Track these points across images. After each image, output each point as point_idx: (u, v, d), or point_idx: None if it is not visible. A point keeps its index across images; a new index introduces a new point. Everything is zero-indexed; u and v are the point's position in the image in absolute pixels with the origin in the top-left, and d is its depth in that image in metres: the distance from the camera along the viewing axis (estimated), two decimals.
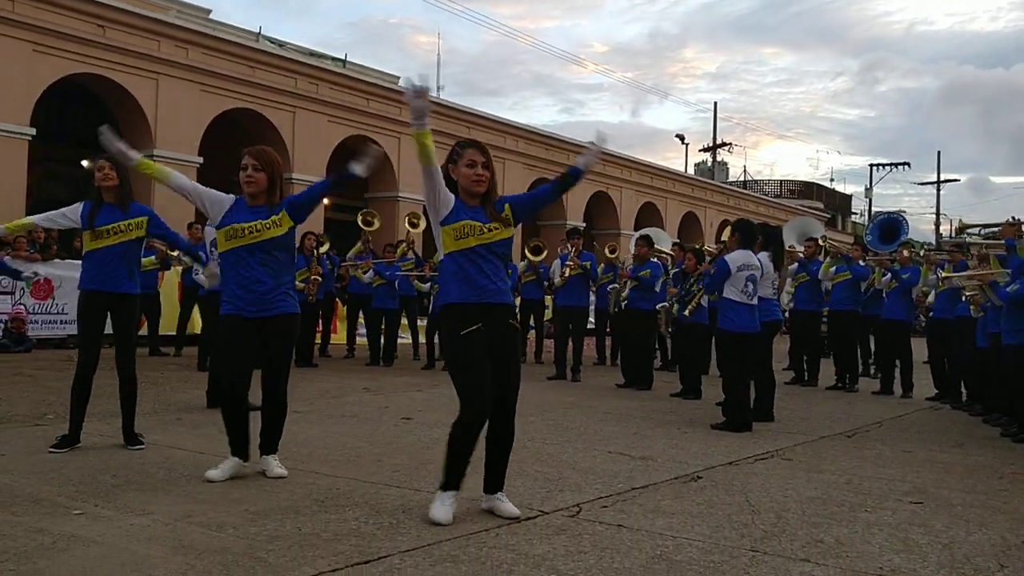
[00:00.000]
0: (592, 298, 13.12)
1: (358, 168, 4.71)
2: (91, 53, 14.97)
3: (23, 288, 12.18)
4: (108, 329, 5.49)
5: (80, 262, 11.29)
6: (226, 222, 4.68)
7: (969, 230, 9.55)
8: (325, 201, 19.45)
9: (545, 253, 13.03)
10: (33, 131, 14.36)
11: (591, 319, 13.72)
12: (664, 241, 13.05)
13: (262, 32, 22.37)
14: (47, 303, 12.45)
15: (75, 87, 15.91)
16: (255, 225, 4.66)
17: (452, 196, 4.05)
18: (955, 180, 53.17)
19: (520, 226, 17.13)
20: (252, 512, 4.02)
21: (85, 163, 18.28)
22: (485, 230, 4.03)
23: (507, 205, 4.14)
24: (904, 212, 18.89)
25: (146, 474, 4.76)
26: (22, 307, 12.14)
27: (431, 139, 3.94)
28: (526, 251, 13.15)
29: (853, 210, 53.16)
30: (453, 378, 4.03)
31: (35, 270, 12.16)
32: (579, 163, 4.30)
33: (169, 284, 13.21)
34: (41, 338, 12.36)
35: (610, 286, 12.25)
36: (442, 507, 3.94)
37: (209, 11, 21.57)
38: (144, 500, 4.17)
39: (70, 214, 5.47)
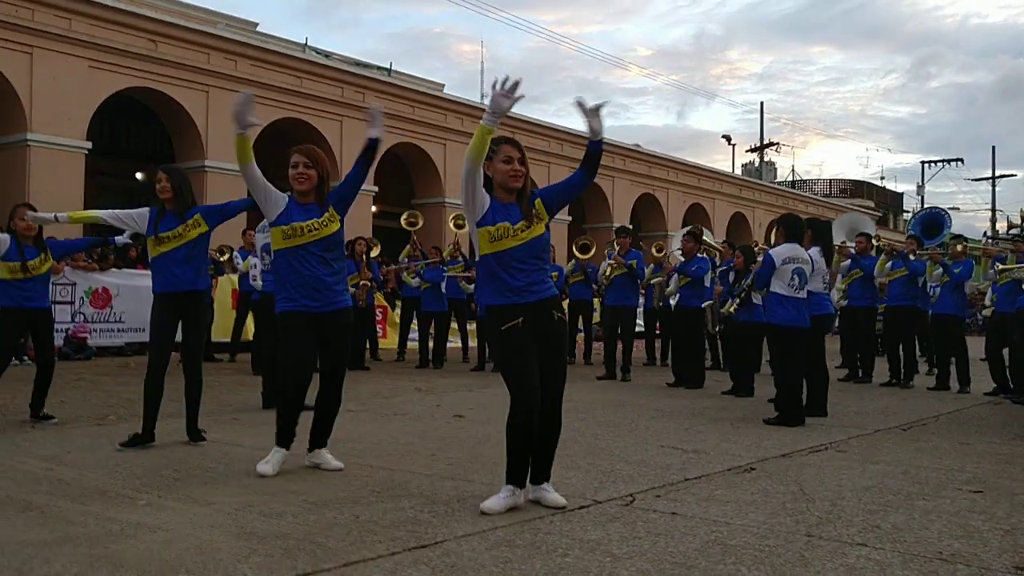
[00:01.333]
0: (641, 299, 13.11)
1: (374, 132, 4.81)
2: (144, 67, 15.33)
3: (82, 298, 12.49)
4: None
5: (136, 271, 11.57)
6: (282, 221, 4.75)
7: None
8: (373, 208, 19.70)
9: (593, 251, 13.02)
10: (89, 145, 14.72)
11: (640, 320, 13.70)
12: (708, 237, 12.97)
13: (308, 43, 22.68)
14: (105, 312, 12.72)
15: (128, 101, 16.29)
16: (312, 223, 4.74)
17: (487, 196, 4.07)
18: (1011, 176, 52.31)
19: (567, 227, 17.27)
20: (310, 502, 4.10)
21: (139, 175, 18.75)
22: (519, 231, 4.04)
23: (538, 200, 4.13)
24: (957, 209, 18.58)
25: (206, 468, 4.88)
26: (82, 315, 12.44)
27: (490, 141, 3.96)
28: (574, 249, 13.16)
29: (905, 208, 52.33)
30: (503, 372, 4.08)
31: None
32: (590, 134, 4.03)
33: (222, 291, 13.45)
34: (100, 346, 12.64)
35: (654, 280, 12.22)
36: (498, 499, 3.97)
37: (256, 24, 21.96)
38: (205, 492, 4.28)
39: (138, 218, 5.63)
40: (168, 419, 5.96)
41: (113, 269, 12.91)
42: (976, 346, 11.24)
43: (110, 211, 5.78)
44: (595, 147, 4.10)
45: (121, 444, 5.40)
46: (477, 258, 4.15)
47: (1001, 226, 46.51)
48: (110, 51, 14.79)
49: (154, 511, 3.88)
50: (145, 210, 5.66)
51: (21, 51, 13.93)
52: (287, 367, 4.83)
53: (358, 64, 21.69)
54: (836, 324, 11.81)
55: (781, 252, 7.36)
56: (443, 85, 24.34)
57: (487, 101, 4.05)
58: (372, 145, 4.87)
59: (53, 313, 7.02)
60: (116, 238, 6.68)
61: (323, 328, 4.80)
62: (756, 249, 10.71)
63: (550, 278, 4.20)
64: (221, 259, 13.06)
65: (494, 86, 3.91)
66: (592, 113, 4.00)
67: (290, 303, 4.76)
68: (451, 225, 13.61)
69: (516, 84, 3.91)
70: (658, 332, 13.99)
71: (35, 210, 6.47)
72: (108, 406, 7.42)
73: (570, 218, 24.20)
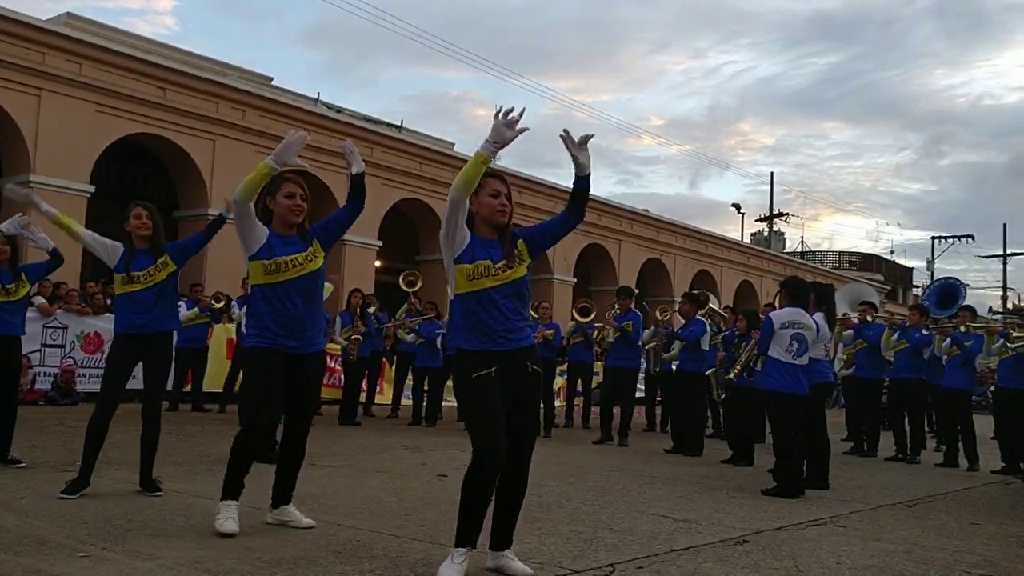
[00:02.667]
0: (643, 363, 12.82)
1: (356, 168, 4.64)
2: (151, 114, 15.30)
3: (73, 342, 12.28)
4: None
5: None
6: (264, 255, 4.45)
7: None
8: (377, 263, 19.55)
9: (593, 315, 12.75)
10: (92, 188, 14.64)
11: (640, 384, 13.38)
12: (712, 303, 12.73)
13: (320, 98, 22.78)
14: (96, 357, 12.49)
15: (134, 146, 16.26)
16: (297, 258, 4.49)
17: (468, 231, 3.82)
18: (1022, 254, 51.69)
19: (571, 288, 17.05)
20: (264, 561, 3.80)
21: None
22: (500, 270, 3.78)
23: (520, 240, 3.87)
24: (968, 285, 18.30)
25: (163, 520, 4.59)
26: (72, 360, 12.20)
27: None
28: (574, 312, 12.90)
29: (915, 283, 52.01)
30: (467, 422, 3.78)
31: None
32: (576, 168, 3.80)
33: (217, 340, 13.22)
34: (89, 392, 12.37)
35: (648, 345, 11.96)
36: (451, 565, 3.62)
37: (271, 78, 22.07)
38: (154, 545, 3.99)
39: (111, 251, 5.40)
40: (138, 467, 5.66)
41: (107, 314, 12.70)
42: (986, 424, 10.88)
43: (89, 233, 5.53)
44: (582, 183, 3.83)
45: (61, 493, 5.06)
46: (451, 296, 3.86)
47: (1012, 304, 46.14)
48: (118, 96, 14.79)
49: (92, 564, 3.59)
50: (119, 245, 5.43)
51: (29, 93, 13.92)
52: (259, 406, 4.43)
53: (368, 120, 21.74)
54: (837, 394, 11.49)
55: (781, 316, 7.11)
56: (453, 143, 24.36)
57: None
58: (359, 181, 4.68)
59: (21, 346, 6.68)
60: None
61: (297, 371, 4.51)
62: (756, 313, 10.47)
63: (529, 326, 3.93)
64: (217, 306, 12.83)
65: (496, 115, 3.64)
66: (578, 145, 3.75)
67: (264, 340, 4.44)
68: (449, 289, 13.38)
69: (520, 114, 3.65)
70: (659, 398, 13.65)
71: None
72: (79, 453, 7.06)
73: (575, 279, 24.01)
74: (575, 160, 3.78)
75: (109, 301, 13.11)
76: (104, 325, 12.52)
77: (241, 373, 11.11)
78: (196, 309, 12.35)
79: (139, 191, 18.82)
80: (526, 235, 3.92)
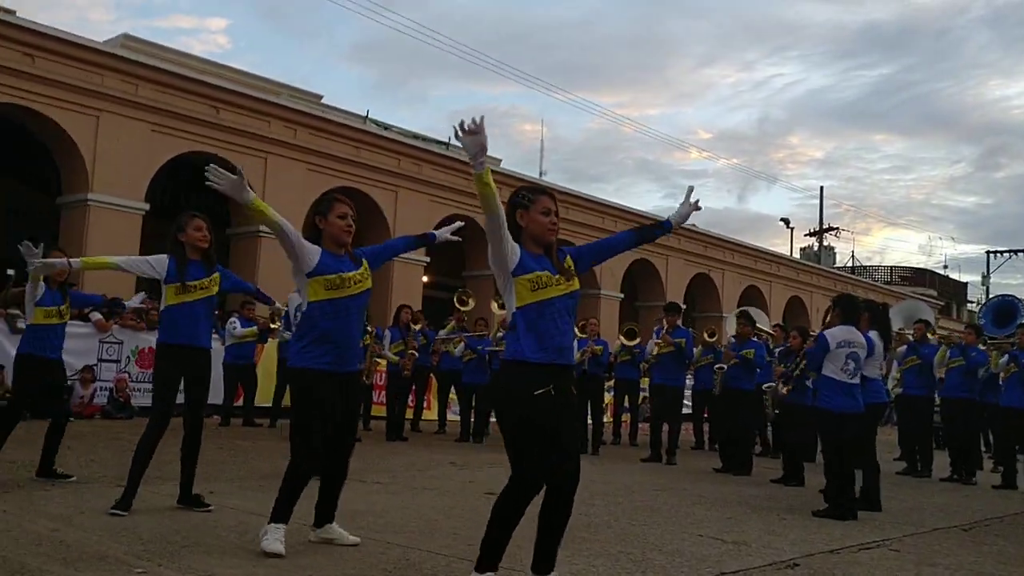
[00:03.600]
0: (690, 380, 12.73)
1: (439, 233, 4.77)
2: (205, 133, 15.63)
3: (129, 357, 12.52)
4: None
5: None
6: (325, 270, 4.45)
7: None
8: (425, 278, 19.68)
9: (639, 339, 12.69)
10: (147, 206, 14.97)
11: (688, 402, 13.30)
12: (761, 321, 12.63)
13: (369, 115, 23.05)
14: (150, 372, 12.71)
15: (186, 165, 16.60)
16: (355, 276, 4.53)
17: (517, 245, 3.77)
18: None
19: (619, 304, 16.94)
20: None
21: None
22: (559, 281, 3.76)
23: (568, 256, 3.88)
24: None
25: (217, 537, 4.66)
26: (126, 375, 12.45)
27: (492, 180, 3.59)
28: (620, 337, 12.83)
29: (970, 298, 50.99)
30: (514, 440, 3.64)
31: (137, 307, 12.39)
32: (673, 217, 4.23)
33: (268, 357, 13.39)
34: (143, 406, 12.59)
35: (716, 366, 11.86)
36: None
37: (320, 96, 22.39)
38: (209, 562, 4.06)
39: (156, 264, 5.36)
40: (198, 482, 5.75)
41: None
42: None
43: (124, 258, 5.63)
44: (666, 229, 4.22)
45: (112, 509, 5.11)
46: (511, 310, 3.76)
47: None
48: (172, 115, 15.13)
49: None
50: (163, 257, 5.39)
51: (89, 114, 14.31)
52: (318, 429, 4.42)
53: (415, 137, 21.95)
54: (889, 411, 11.30)
55: (836, 334, 7.02)
56: (500, 159, 24.47)
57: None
58: (430, 239, 5.01)
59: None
60: (127, 303, 6.53)
61: (344, 387, 4.54)
62: (808, 329, 10.38)
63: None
64: (273, 326, 13.00)
65: (457, 135, 3.51)
66: (692, 205, 4.23)
67: (319, 361, 4.43)
68: (495, 306, 13.44)
69: (475, 120, 3.49)
70: (707, 415, 13.54)
71: (64, 254, 6.28)
72: None
73: (622, 295, 23.92)
74: (680, 211, 4.25)
75: None
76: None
77: (289, 390, 11.32)
78: (255, 327, 12.49)
79: (192, 209, 19.24)
80: (574, 253, 3.94)
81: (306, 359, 4.46)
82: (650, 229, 4.15)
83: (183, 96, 15.32)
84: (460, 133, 3.49)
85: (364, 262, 4.63)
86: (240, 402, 12.61)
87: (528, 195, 3.83)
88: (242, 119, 16.14)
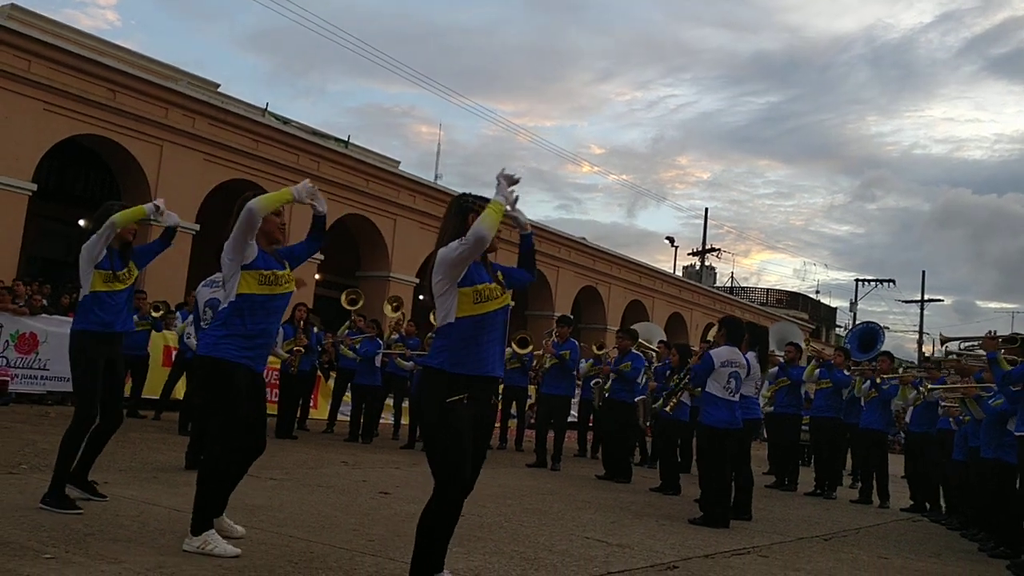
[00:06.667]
0: (576, 390, 13.15)
1: (321, 207, 4.90)
2: (99, 115, 15.20)
3: (7, 341, 12.12)
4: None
5: (66, 318, 10.80)
6: (260, 265, 4.51)
7: (950, 343, 9.70)
8: (317, 276, 19.59)
9: (531, 347, 13.05)
10: (34, 187, 14.49)
11: (573, 411, 13.72)
12: (656, 335, 13.17)
13: (268, 108, 22.79)
14: (30, 358, 12.35)
15: (79, 147, 16.14)
16: (285, 275, 4.63)
17: None
18: (939, 300, 53.72)
19: (509, 313, 16.88)
20: (225, 568, 3.98)
21: (83, 222, 18.44)
22: (499, 293, 3.86)
23: (499, 271, 4.00)
24: (888, 328, 19.08)
25: (119, 526, 4.71)
26: (4, 360, 12.05)
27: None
28: (512, 344, 13.15)
29: (838, 323, 53.57)
30: (434, 448, 3.70)
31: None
32: (520, 228, 4.15)
33: (155, 348, 13.18)
34: (20, 392, 12.22)
35: (593, 380, 12.32)
36: None
37: (218, 85, 22.04)
38: (116, 550, 4.13)
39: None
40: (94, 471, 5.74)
41: (43, 315, 12.58)
42: (897, 463, 11.46)
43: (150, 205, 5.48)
44: (528, 241, 4.20)
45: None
46: (447, 320, 3.77)
47: (927, 348, 47.78)
48: (66, 96, 14.68)
49: (59, 566, 3.73)
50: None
51: None
52: (240, 423, 4.42)
53: (315, 133, 21.82)
54: (761, 428, 11.96)
55: (721, 354, 7.47)
56: (399, 162, 24.55)
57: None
58: (322, 221, 5.03)
59: None
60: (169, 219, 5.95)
61: (255, 387, 4.59)
62: (689, 347, 10.92)
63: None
64: (156, 315, 12.81)
65: (501, 176, 3.86)
66: (515, 210, 3.98)
67: (241, 355, 4.42)
68: (387, 308, 13.59)
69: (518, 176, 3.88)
70: (590, 424, 14.01)
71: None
72: (22, 455, 7.14)
73: (513, 303, 24.20)
74: (515, 220, 4.06)
75: (46, 302, 13.01)
76: (40, 326, 12.37)
77: (186, 382, 11.21)
78: (136, 316, 12.28)
79: (81, 192, 18.68)
80: (504, 270, 4.06)
81: (226, 350, 4.44)
82: (524, 254, 4.24)
83: (78, 76, 14.86)
84: (503, 180, 3.84)
85: (287, 264, 4.76)
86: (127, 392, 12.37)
87: (479, 202, 3.90)
88: (139, 104, 15.74)
